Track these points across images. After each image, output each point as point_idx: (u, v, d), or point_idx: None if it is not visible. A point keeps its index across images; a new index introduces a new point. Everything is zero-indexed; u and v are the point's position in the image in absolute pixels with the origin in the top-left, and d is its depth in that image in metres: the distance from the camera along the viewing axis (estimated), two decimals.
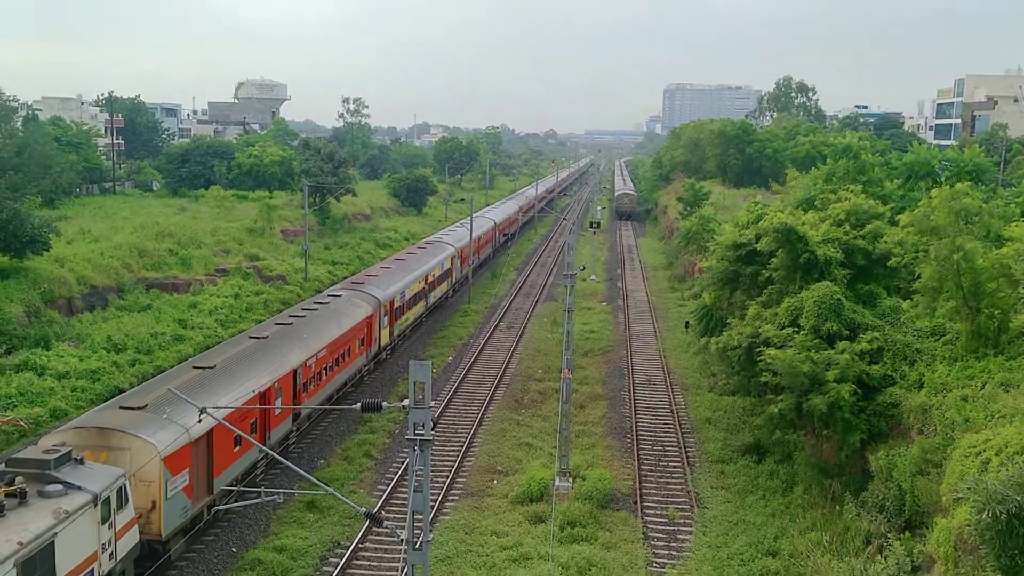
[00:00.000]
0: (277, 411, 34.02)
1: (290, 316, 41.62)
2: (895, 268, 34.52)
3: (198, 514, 28.48)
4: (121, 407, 27.67)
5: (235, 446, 30.38)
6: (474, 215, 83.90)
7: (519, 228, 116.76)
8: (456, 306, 70.04)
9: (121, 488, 23.41)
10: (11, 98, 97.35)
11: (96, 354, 45.46)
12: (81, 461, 23.04)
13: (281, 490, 29.58)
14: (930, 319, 31.44)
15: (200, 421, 26.79)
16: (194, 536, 29.03)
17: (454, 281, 72.00)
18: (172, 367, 39.09)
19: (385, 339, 49.99)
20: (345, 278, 63.19)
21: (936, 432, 25.23)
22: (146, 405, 27.49)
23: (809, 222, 37.25)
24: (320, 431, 40.19)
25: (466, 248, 74.98)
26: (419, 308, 58.86)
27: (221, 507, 30.29)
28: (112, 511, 22.91)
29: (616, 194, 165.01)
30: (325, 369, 39.66)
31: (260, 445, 29.53)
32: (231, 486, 30.37)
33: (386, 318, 49.56)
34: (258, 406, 32.12)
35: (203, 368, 32.01)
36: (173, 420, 26.92)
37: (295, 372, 36.04)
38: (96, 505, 22.10)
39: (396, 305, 51.85)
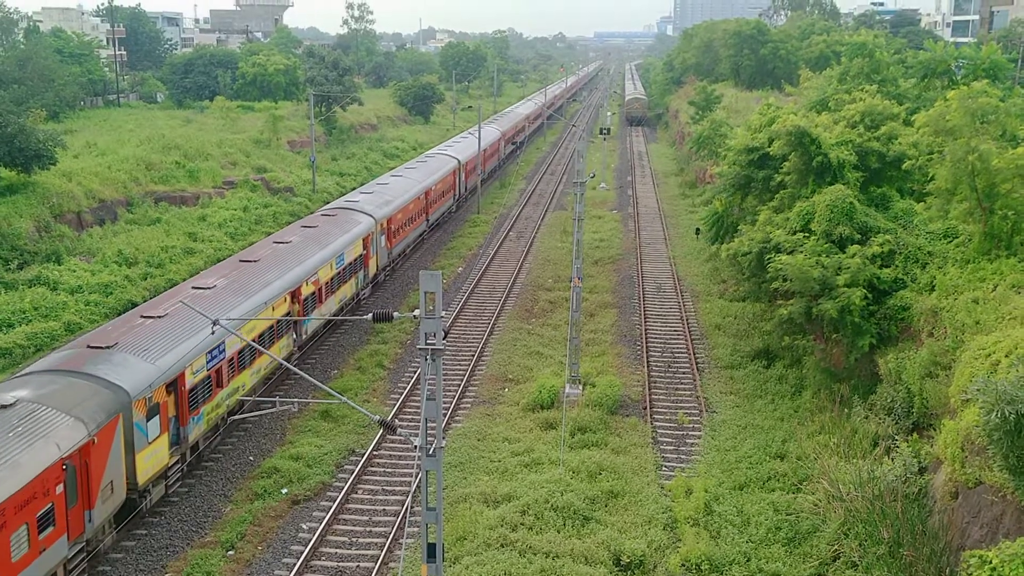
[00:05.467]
0: None
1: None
2: (909, 170, 34.01)
3: None
4: None
5: None
6: (423, 157, 69.10)
7: (504, 160, 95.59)
8: (464, 217, 69.77)
9: None
10: (12, 10, 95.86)
11: (108, 268, 45.75)
12: None
13: (295, 400, 30.07)
14: (943, 221, 31.07)
15: None
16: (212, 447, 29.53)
17: (377, 269, 46.68)
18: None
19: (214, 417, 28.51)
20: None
21: (946, 335, 25.18)
22: None
23: (822, 124, 36.59)
24: (332, 342, 40.52)
25: (396, 216, 49.61)
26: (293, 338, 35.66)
27: (237, 417, 30.70)
28: None
29: (626, 99, 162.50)
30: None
31: None
32: None
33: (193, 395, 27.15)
34: None
35: None
36: None
37: None
38: None
39: (232, 358, 29.49)
